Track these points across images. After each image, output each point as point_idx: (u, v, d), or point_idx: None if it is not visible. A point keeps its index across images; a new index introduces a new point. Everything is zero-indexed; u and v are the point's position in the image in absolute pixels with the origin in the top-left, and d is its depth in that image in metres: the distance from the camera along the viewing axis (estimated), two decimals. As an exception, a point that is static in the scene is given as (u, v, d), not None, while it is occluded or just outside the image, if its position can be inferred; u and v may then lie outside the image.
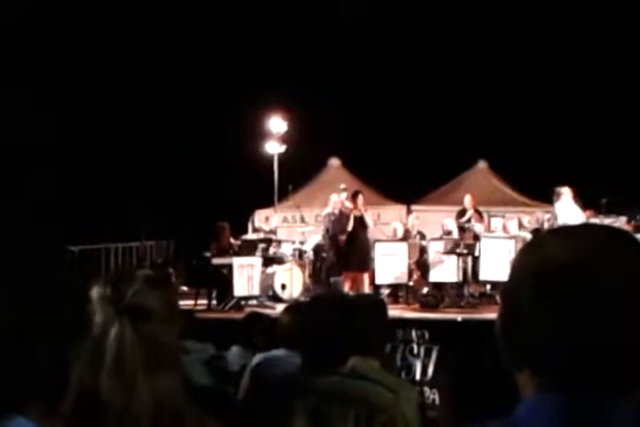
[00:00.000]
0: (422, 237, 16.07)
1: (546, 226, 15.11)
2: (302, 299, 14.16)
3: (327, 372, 3.08)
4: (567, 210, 14.51)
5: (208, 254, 15.03)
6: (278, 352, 5.14)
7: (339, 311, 3.25)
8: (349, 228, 14.99)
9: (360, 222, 15.06)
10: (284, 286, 15.30)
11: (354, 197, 15.29)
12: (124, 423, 1.86)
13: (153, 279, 2.06)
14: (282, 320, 5.29)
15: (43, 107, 19.36)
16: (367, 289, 14.91)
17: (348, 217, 15.05)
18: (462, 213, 16.62)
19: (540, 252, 1.39)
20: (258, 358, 5.25)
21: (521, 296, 1.37)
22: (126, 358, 1.88)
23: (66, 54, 21.51)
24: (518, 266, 1.42)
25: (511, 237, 14.61)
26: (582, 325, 1.31)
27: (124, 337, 1.89)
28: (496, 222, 16.42)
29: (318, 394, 3.04)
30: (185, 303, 13.36)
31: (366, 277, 15.13)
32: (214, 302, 14.76)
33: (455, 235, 15.46)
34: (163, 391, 1.92)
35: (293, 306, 5.77)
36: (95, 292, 1.97)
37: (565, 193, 14.76)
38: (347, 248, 15.11)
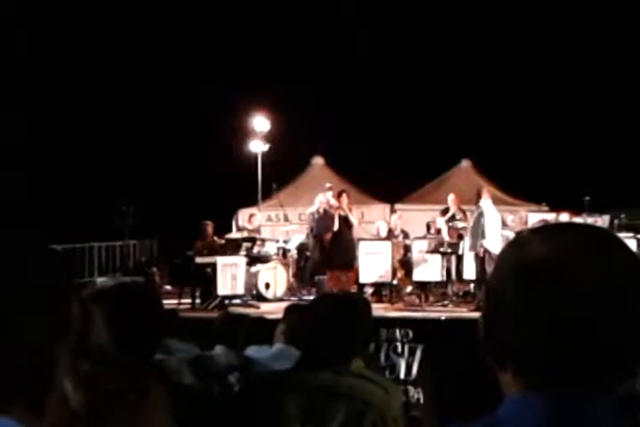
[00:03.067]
0: (405, 235, 16.07)
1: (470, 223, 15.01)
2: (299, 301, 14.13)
3: (321, 369, 3.08)
4: (487, 210, 14.39)
5: (191, 253, 15.03)
6: (265, 351, 5.14)
7: (348, 310, 3.27)
8: (335, 227, 15.01)
9: (345, 222, 15.09)
10: (267, 285, 15.28)
11: (339, 196, 15.32)
12: None
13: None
14: (289, 319, 5.29)
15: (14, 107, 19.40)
16: (351, 288, 14.94)
17: (332, 217, 15.08)
18: (446, 211, 16.59)
19: (521, 252, 1.39)
20: (243, 356, 5.25)
21: (504, 296, 1.38)
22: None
23: (46, 55, 21.48)
24: (500, 266, 1.43)
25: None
26: (563, 325, 1.31)
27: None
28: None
29: (310, 389, 3.05)
30: (169, 302, 13.32)
31: (351, 276, 15.15)
32: (198, 301, 14.74)
33: (445, 234, 15.45)
34: None
35: (297, 306, 5.77)
36: None
37: (484, 193, 14.67)
38: (332, 247, 15.13)
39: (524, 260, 1.37)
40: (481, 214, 14.13)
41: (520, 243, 1.42)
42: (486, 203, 14.37)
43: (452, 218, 16.21)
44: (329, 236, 15.27)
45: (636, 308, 1.33)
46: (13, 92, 20.21)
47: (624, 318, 1.32)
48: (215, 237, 15.76)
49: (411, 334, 10.91)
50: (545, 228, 1.45)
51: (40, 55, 21.52)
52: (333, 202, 15.46)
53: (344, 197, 15.29)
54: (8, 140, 19.39)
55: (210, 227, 15.53)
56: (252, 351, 5.25)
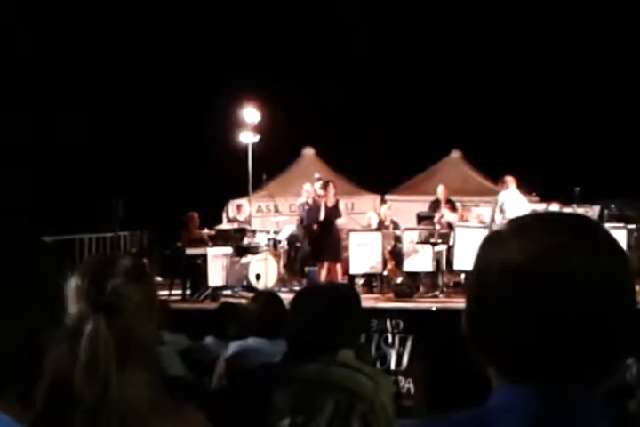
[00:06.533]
0: (396, 226, 16.09)
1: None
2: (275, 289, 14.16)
3: (309, 360, 3.08)
4: (512, 198, 14.76)
5: (181, 245, 15.03)
6: (254, 341, 5.14)
7: (334, 301, 3.26)
8: (321, 217, 15.06)
9: (331, 212, 15.13)
10: (258, 277, 15.27)
11: (325, 186, 15.36)
12: (95, 419, 1.86)
13: (134, 271, 2.05)
14: (251, 309, 5.30)
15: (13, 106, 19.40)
16: (340, 279, 14.99)
17: (319, 207, 15.13)
18: (435, 203, 16.62)
19: (499, 252, 1.39)
20: (234, 347, 5.25)
21: (485, 295, 1.38)
22: (99, 356, 1.88)
23: (35, 51, 21.45)
24: (479, 265, 1.42)
25: (485, 227, 14.66)
26: (549, 322, 1.32)
27: (99, 336, 1.89)
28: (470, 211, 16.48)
29: (299, 381, 3.05)
30: (159, 294, 13.32)
31: (339, 267, 15.20)
32: (188, 292, 14.75)
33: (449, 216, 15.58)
34: (134, 388, 1.92)
35: (262, 295, 5.78)
36: (72, 282, 1.96)
37: (511, 181, 15.04)
38: (319, 238, 15.18)
39: (502, 261, 1.36)
40: (504, 202, 14.39)
41: (500, 242, 1.41)
42: (512, 191, 14.63)
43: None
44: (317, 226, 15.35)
45: (621, 303, 1.34)
46: (13, 92, 20.21)
47: (610, 315, 1.32)
48: (205, 229, 15.77)
49: (401, 324, 10.96)
50: (520, 225, 1.44)
51: (40, 55, 21.50)
52: (320, 192, 15.51)
53: (330, 188, 15.34)
54: (8, 140, 19.41)
55: (195, 218, 15.54)
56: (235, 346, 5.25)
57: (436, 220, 15.53)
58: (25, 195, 19.16)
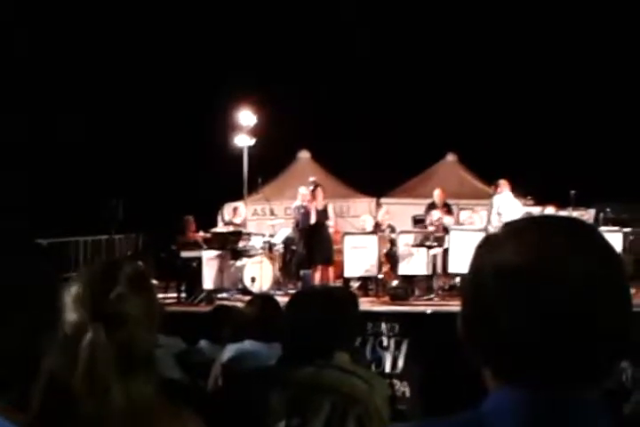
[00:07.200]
0: (392, 230, 16.09)
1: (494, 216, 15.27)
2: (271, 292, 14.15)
3: (304, 363, 3.09)
4: (507, 201, 14.83)
5: (176, 248, 15.04)
6: (251, 344, 5.14)
7: (328, 304, 3.27)
8: (312, 221, 15.08)
9: (321, 216, 15.15)
10: (253, 279, 15.26)
11: (313, 190, 15.38)
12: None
13: (137, 282, 2.03)
14: (247, 312, 5.31)
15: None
16: (333, 282, 15.00)
17: (309, 211, 15.15)
18: (431, 206, 16.63)
19: (495, 254, 1.39)
20: (230, 349, 5.24)
21: (481, 298, 1.38)
22: (99, 365, 1.85)
23: (35, 51, 21.44)
24: (475, 268, 1.43)
25: (480, 230, 14.66)
26: (542, 324, 1.32)
27: (98, 346, 1.86)
28: (465, 215, 16.49)
29: (294, 384, 3.05)
30: (160, 303, 13.30)
31: (331, 270, 15.20)
32: (184, 295, 14.74)
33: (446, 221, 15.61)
34: (136, 396, 1.91)
35: (258, 298, 5.79)
36: (72, 290, 1.94)
37: (504, 185, 15.12)
38: (311, 242, 15.18)
39: (499, 264, 1.37)
40: (499, 205, 14.47)
41: (493, 246, 1.42)
42: (506, 194, 14.68)
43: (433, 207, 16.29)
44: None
45: (615, 306, 1.34)
46: (13, 92, 20.22)
47: (605, 317, 1.33)
48: (201, 232, 15.76)
49: (397, 327, 10.94)
50: (516, 228, 1.44)
51: (40, 55, 21.51)
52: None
53: (318, 191, 15.34)
54: (8, 140, 19.42)
55: (190, 221, 15.54)
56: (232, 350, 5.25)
57: (428, 222, 15.56)
58: (25, 195, 19.15)
